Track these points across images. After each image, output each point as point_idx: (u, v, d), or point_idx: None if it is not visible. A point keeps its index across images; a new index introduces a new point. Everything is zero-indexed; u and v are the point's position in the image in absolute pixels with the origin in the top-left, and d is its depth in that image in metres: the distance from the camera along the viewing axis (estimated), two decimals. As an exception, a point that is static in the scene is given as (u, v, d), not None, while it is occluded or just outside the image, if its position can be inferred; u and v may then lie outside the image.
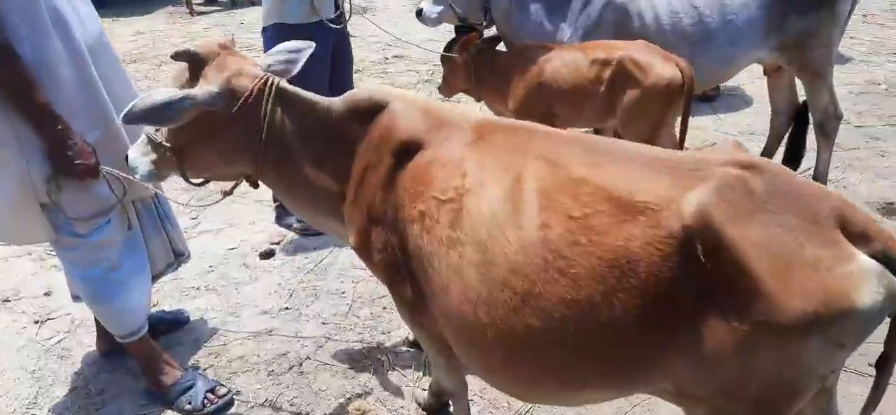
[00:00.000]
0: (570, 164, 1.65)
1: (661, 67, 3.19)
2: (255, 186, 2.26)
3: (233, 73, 2.04)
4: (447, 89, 3.96)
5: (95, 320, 2.99)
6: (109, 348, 3.03)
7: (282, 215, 4.16)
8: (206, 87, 2.00)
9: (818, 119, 3.95)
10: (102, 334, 3.01)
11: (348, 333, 3.20)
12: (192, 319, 3.34)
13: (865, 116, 5.26)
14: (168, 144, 2.04)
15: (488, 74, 3.70)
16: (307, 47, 2.28)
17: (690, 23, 3.60)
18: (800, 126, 4.14)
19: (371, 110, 2.03)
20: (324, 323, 3.28)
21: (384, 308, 3.36)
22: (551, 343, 1.58)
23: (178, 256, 3.07)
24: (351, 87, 3.80)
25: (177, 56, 2.04)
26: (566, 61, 3.38)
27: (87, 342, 3.19)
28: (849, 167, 4.49)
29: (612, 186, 1.53)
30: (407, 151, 1.92)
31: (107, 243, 2.64)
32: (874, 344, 1.51)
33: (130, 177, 2.30)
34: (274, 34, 3.57)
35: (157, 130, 2.05)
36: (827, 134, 3.97)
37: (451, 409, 2.56)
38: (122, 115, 1.93)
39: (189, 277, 3.64)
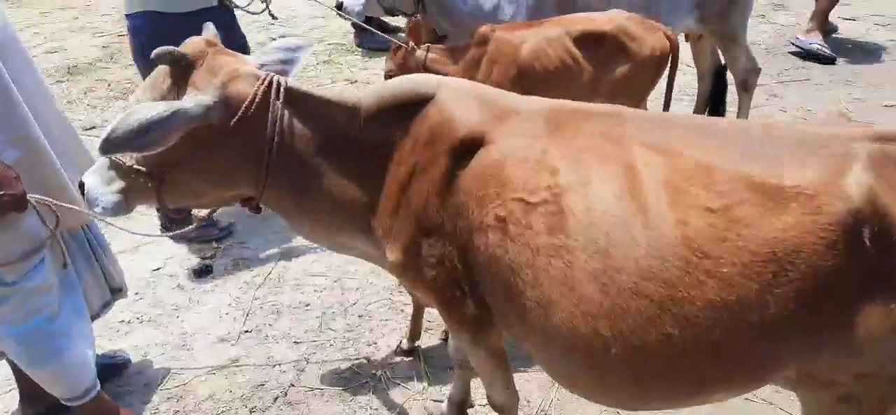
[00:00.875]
0: (685, 149, 1.50)
1: (653, 39, 3.12)
2: (257, 210, 1.91)
3: (228, 76, 1.70)
4: None
5: (19, 379, 2.42)
6: (44, 411, 2.47)
7: (169, 225, 3.58)
8: (198, 96, 1.65)
9: (740, 77, 4.29)
10: (31, 396, 2.45)
11: (329, 350, 2.88)
12: (133, 359, 2.84)
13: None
14: (142, 169, 1.67)
15: (448, 66, 3.35)
16: (305, 46, 1.96)
17: None
18: (719, 87, 4.43)
19: (413, 104, 1.75)
20: (297, 343, 2.92)
21: (360, 317, 3.06)
22: (689, 351, 1.43)
23: (115, 292, 2.58)
24: None
25: (157, 57, 1.65)
26: (549, 40, 3.15)
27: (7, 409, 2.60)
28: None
29: (750, 172, 1.40)
30: (468, 148, 1.67)
31: (43, 288, 2.14)
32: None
33: (76, 206, 1.84)
34: (144, 24, 3.09)
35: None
36: (748, 88, 4.34)
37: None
38: (101, 143, 1.51)
39: (115, 310, 3.07)
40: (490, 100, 1.74)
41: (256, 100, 1.69)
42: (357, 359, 2.82)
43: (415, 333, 2.81)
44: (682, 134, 1.55)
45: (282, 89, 1.73)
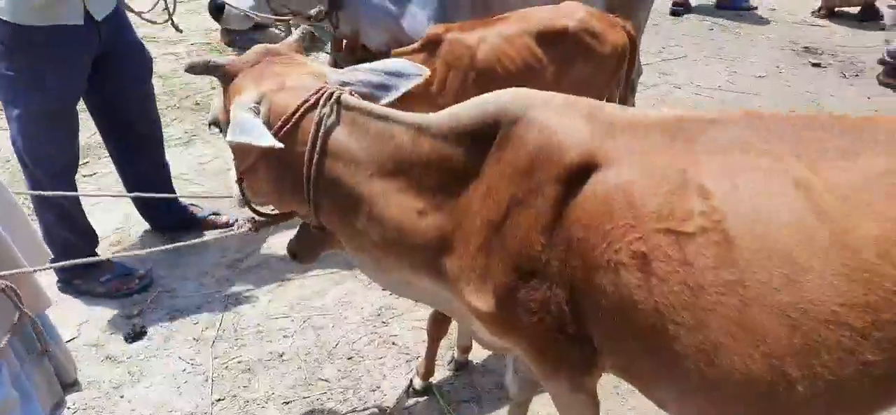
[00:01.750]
0: (849, 154, 1.41)
1: (614, 35, 3.04)
2: (322, 229, 1.72)
3: (273, 87, 1.51)
4: None
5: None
6: None
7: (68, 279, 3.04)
8: (234, 108, 1.55)
9: (633, 75, 4.40)
10: None
11: (328, 404, 2.53)
12: (82, 465, 2.28)
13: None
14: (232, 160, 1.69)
15: None
16: (415, 75, 1.68)
17: None
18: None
19: (499, 124, 1.53)
20: (287, 403, 2.53)
21: (350, 359, 2.73)
22: (889, 376, 1.37)
23: (69, 388, 2.03)
24: (134, 119, 3.11)
25: (191, 69, 1.53)
26: (508, 39, 2.94)
27: None
28: (654, 105, 5.08)
29: None
30: (579, 173, 1.46)
31: (8, 407, 1.61)
32: None
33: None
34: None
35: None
36: (634, 88, 4.43)
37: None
38: None
39: (35, 404, 2.45)
40: (596, 114, 1.54)
41: (296, 115, 1.54)
42: (365, 409, 2.51)
43: (429, 369, 2.55)
44: (828, 137, 1.47)
45: (336, 105, 1.51)
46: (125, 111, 3.08)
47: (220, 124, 1.70)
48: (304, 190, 1.55)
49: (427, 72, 1.71)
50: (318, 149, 1.51)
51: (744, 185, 1.38)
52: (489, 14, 3.19)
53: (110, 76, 2.92)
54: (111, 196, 3.55)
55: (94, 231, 3.10)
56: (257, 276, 3.22)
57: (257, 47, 1.63)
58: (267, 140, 1.43)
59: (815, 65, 5.82)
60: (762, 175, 1.39)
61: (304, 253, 2.05)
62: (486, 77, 2.91)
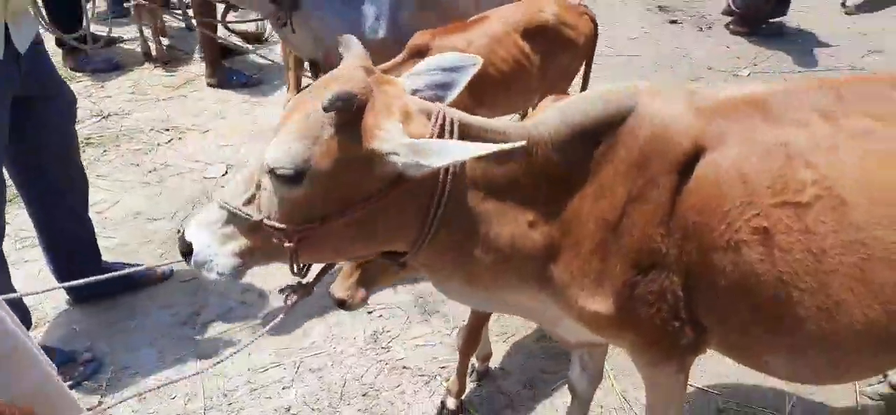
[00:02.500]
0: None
1: (583, 23, 3.11)
2: (402, 267, 1.61)
3: (401, 115, 1.37)
4: None
5: None
6: None
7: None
8: (398, 141, 1.31)
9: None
10: None
11: (363, 450, 2.35)
12: None
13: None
14: (281, 226, 1.35)
15: None
16: (469, 65, 1.54)
17: None
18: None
19: (612, 123, 1.51)
20: (318, 460, 2.31)
21: (365, 396, 2.56)
22: None
23: None
24: (56, 167, 2.69)
25: (332, 104, 1.26)
26: (497, 39, 2.88)
27: None
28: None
29: None
30: (691, 160, 1.50)
31: None
32: None
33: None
34: None
35: (250, 199, 1.38)
36: None
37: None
38: None
39: None
40: (690, 99, 1.58)
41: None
42: (406, 445, 2.37)
43: (462, 386, 2.47)
44: (881, 94, 1.61)
45: (456, 127, 1.41)
46: (47, 158, 2.60)
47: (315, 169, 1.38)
48: (428, 223, 1.42)
49: (480, 60, 1.63)
50: (450, 176, 1.41)
51: (841, 148, 1.49)
52: (437, 10, 3.11)
53: (32, 119, 2.44)
54: (37, 294, 2.99)
55: (27, 310, 2.62)
56: (222, 328, 2.91)
57: (349, 67, 1.41)
58: (484, 148, 1.29)
59: (672, 22, 6.36)
60: (852, 137, 1.52)
61: (354, 302, 1.89)
62: (479, 80, 2.82)
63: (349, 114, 1.29)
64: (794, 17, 6.14)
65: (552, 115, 1.52)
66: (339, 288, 1.89)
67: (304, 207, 1.35)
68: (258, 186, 1.37)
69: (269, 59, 5.26)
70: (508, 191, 1.50)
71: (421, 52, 2.79)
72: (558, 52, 3.06)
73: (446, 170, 1.39)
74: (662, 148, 1.48)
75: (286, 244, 1.37)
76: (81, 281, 1.71)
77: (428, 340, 2.82)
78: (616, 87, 1.57)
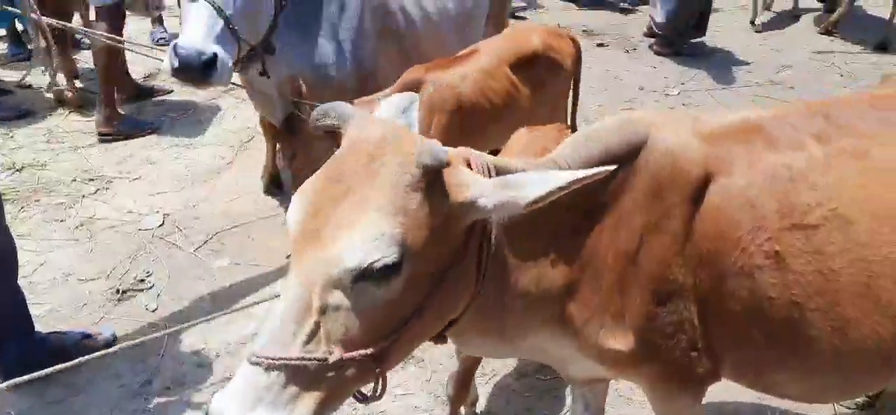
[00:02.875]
0: (889, 123, 1.61)
1: (567, 46, 3.11)
2: (443, 340, 1.49)
3: (462, 162, 1.31)
4: None
5: None
6: None
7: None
8: (490, 186, 1.24)
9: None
10: None
11: None
12: None
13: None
14: (367, 352, 1.13)
15: None
16: (413, 103, 1.58)
17: (453, 4, 3.55)
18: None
19: (630, 154, 1.50)
20: None
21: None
22: None
23: None
24: None
25: (428, 167, 1.16)
26: (489, 72, 2.85)
27: None
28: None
29: None
30: (702, 188, 1.51)
31: None
32: None
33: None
34: None
35: (310, 336, 1.10)
36: None
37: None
38: None
39: None
40: (699, 125, 1.60)
41: None
42: None
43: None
44: (864, 115, 1.66)
45: (492, 169, 1.35)
46: None
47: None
48: (479, 279, 1.35)
49: (417, 96, 1.67)
50: (493, 227, 1.35)
51: (840, 169, 1.55)
52: (399, 44, 3.04)
53: None
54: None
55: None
56: (177, 396, 2.67)
57: (379, 122, 1.31)
58: (571, 176, 1.21)
59: (600, 45, 6.56)
60: (848, 157, 1.57)
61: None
62: (473, 114, 2.85)
63: (437, 172, 1.17)
64: (711, 38, 6.47)
65: (571, 149, 1.48)
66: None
67: (399, 303, 1.16)
68: (322, 312, 1.10)
69: (195, 99, 5.01)
70: (532, 232, 1.45)
71: (414, 87, 2.73)
72: (547, 79, 3.06)
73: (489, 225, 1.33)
74: (676, 177, 1.49)
75: (377, 370, 1.17)
76: (25, 378, 1.52)
77: (407, 388, 2.70)
78: (628, 118, 1.56)
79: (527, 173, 1.25)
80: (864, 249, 1.49)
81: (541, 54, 3.03)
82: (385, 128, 1.24)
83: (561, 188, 1.18)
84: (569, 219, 1.47)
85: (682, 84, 5.67)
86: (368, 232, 1.08)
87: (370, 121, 1.28)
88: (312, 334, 1.10)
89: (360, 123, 1.25)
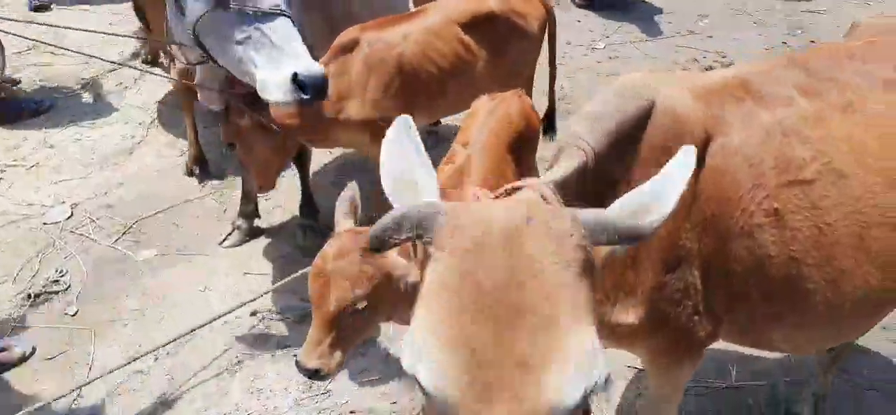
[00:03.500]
0: (864, 73, 1.62)
1: (533, 9, 2.91)
2: None
3: None
4: (265, 174, 2.73)
5: None
6: None
7: None
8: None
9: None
10: None
11: None
12: None
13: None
14: None
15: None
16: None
17: None
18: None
19: (641, 121, 1.43)
20: None
21: (317, 454, 2.26)
22: None
23: None
24: None
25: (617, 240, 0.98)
26: (435, 32, 2.63)
27: None
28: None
29: None
30: (703, 151, 1.48)
31: None
32: None
33: None
34: None
35: None
36: None
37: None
38: None
39: None
40: (697, 86, 1.56)
41: None
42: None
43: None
44: (842, 64, 1.66)
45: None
46: None
47: None
48: None
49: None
50: None
51: (829, 121, 1.54)
52: (331, 14, 2.82)
53: None
54: None
55: None
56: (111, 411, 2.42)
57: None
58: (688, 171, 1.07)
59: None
60: (835, 111, 1.57)
61: (331, 369, 1.68)
62: (415, 77, 2.68)
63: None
64: (630, -12, 6.53)
65: (587, 128, 1.38)
66: (310, 356, 1.62)
67: None
68: None
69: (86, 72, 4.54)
70: None
71: (349, 49, 2.54)
72: (509, 44, 2.88)
73: None
74: (681, 141, 1.41)
75: None
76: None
77: (369, 375, 2.56)
78: (631, 83, 1.49)
79: (637, 193, 1.03)
80: (858, 202, 1.51)
81: (499, 15, 2.84)
82: (503, 207, 0.97)
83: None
84: (594, 200, 1.37)
85: (607, 37, 5.69)
86: (580, 355, 0.84)
87: (471, 208, 0.97)
88: None
89: (462, 218, 0.94)
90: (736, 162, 1.47)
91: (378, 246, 0.97)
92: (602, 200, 1.36)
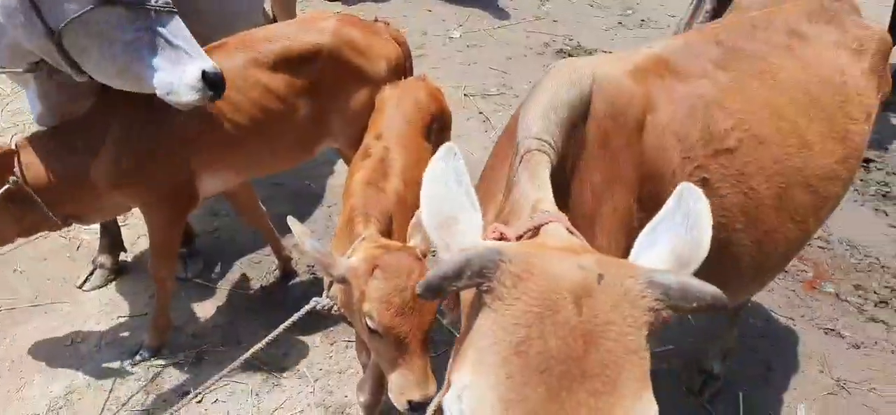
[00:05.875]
0: (757, 38, 1.75)
1: (383, 46, 2.51)
2: None
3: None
4: None
5: None
6: None
7: None
8: None
9: None
10: None
11: None
12: None
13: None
14: None
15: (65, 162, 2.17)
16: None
17: None
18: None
19: (584, 106, 1.42)
20: None
21: None
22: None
23: None
24: None
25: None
26: (230, 73, 2.14)
27: None
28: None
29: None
30: (639, 130, 1.50)
31: None
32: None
33: None
34: None
35: None
36: None
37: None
38: None
39: None
40: (631, 63, 1.59)
41: None
42: None
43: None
44: (751, 33, 1.78)
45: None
46: None
47: None
48: None
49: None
50: None
51: (745, 90, 1.65)
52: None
53: None
54: None
55: None
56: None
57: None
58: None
59: (368, -9, 6.38)
60: (749, 79, 1.67)
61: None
62: (196, 135, 2.25)
63: None
64: (474, -22, 6.69)
65: (542, 126, 1.31)
66: (428, 384, 1.53)
67: None
68: None
69: None
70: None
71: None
72: (345, 89, 2.44)
73: None
74: (618, 121, 1.45)
75: None
76: None
77: (292, 406, 2.39)
78: (569, 68, 1.45)
79: (667, 248, 1.03)
80: (776, 164, 1.61)
81: (327, 53, 2.40)
82: (575, 263, 0.91)
83: None
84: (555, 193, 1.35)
85: (461, 25, 5.79)
86: None
87: (538, 259, 0.91)
88: None
89: (522, 268, 0.89)
90: (667, 136, 1.51)
91: (434, 294, 0.91)
92: (563, 189, 1.35)
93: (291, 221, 1.65)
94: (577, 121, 1.38)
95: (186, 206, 2.40)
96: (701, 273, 1.59)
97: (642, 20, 6.23)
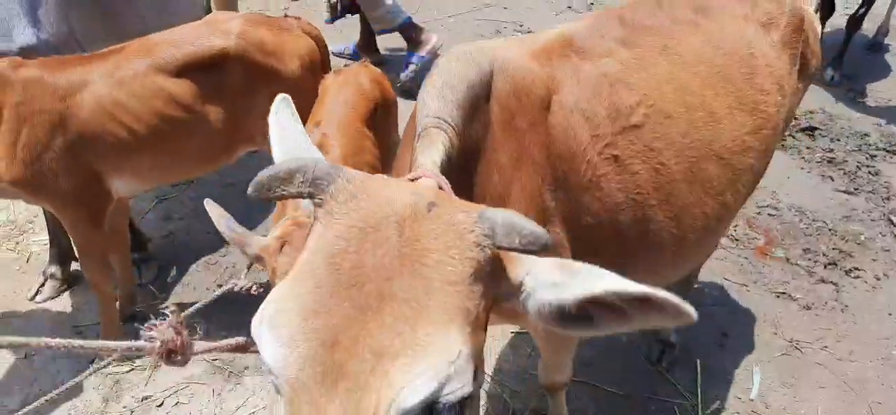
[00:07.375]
0: (677, 37, 1.75)
1: (295, 43, 2.45)
2: None
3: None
4: None
5: None
6: None
7: None
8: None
9: None
10: None
11: None
12: None
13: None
14: None
15: None
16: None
17: None
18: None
19: (485, 87, 1.42)
20: None
21: None
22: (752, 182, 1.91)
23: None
24: None
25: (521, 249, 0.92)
26: (130, 80, 2.18)
27: None
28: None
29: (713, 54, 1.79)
30: (545, 111, 1.51)
31: None
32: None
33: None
34: None
35: None
36: None
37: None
38: None
39: None
40: (535, 47, 1.59)
41: None
42: None
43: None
44: (651, 12, 1.80)
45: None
46: None
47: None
48: None
49: None
50: None
51: (650, 67, 1.67)
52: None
53: None
54: None
55: None
56: None
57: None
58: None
59: (316, -15, 6.35)
60: (653, 55, 1.70)
61: None
62: (96, 138, 2.20)
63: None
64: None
65: (440, 104, 1.29)
66: None
67: None
68: None
69: None
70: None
71: None
72: (262, 88, 2.37)
73: None
74: (522, 102, 1.45)
75: None
76: None
77: (254, 402, 2.40)
78: (469, 49, 1.45)
79: (587, 269, 0.99)
80: (685, 138, 1.64)
81: (234, 57, 2.35)
82: (409, 189, 0.92)
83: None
84: (459, 175, 1.31)
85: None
86: (440, 359, 0.79)
87: (374, 181, 0.92)
88: None
89: (357, 187, 0.90)
90: (574, 118, 1.52)
91: (260, 196, 0.91)
92: (470, 171, 1.38)
93: (208, 203, 1.67)
94: (479, 101, 1.37)
95: (100, 206, 2.35)
96: (623, 253, 1.63)
97: (591, 4, 6.33)
